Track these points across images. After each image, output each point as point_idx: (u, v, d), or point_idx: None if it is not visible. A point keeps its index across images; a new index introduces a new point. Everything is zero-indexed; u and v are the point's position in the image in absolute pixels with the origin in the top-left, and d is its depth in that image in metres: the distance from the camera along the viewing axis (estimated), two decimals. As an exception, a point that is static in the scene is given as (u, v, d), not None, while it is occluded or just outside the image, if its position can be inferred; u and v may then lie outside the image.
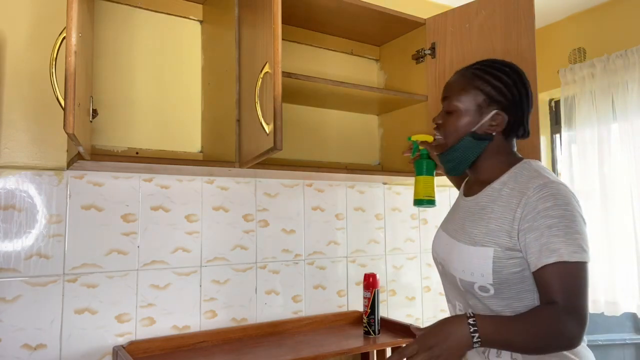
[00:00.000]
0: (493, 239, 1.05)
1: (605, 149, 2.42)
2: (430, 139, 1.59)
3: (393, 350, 1.84)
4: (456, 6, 1.84)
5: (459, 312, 1.17)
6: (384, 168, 2.13)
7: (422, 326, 2.14)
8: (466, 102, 1.17)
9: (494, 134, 1.14)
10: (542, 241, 0.98)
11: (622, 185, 2.35)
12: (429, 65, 1.87)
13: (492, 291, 1.05)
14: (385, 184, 2.20)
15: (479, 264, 1.05)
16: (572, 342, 0.96)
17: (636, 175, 2.32)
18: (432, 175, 1.60)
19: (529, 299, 1.04)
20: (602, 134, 2.44)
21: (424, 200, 1.52)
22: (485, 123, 1.13)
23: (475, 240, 1.07)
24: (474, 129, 1.14)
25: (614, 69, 2.38)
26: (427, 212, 2.32)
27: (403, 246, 2.24)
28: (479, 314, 1.02)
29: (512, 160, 1.15)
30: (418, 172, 1.62)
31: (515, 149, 1.18)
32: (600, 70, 2.43)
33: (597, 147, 2.45)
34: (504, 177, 1.11)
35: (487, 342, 0.97)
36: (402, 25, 1.93)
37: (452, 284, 1.15)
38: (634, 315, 2.48)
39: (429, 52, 1.87)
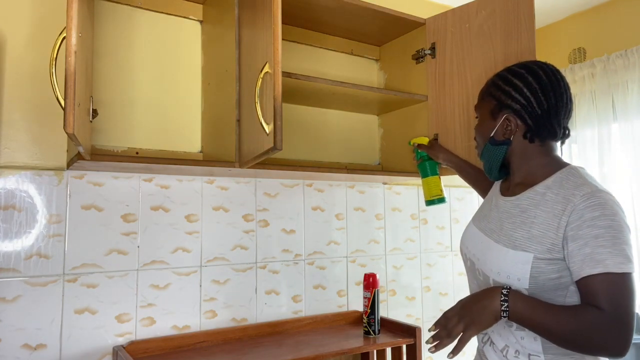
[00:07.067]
0: (535, 244, 1.03)
1: (606, 149, 2.42)
2: (425, 140, 1.68)
3: (393, 350, 1.84)
4: (456, 6, 1.84)
5: None
6: (384, 168, 2.13)
7: (422, 326, 2.14)
8: (482, 109, 1.21)
9: (511, 138, 1.13)
10: (587, 251, 0.96)
11: (622, 185, 2.35)
12: (429, 65, 1.87)
13: None
14: (385, 184, 2.20)
15: (517, 267, 1.03)
16: (618, 352, 0.94)
17: (636, 175, 2.32)
18: (437, 174, 1.67)
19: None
20: (602, 134, 2.44)
21: (434, 200, 1.62)
22: (498, 128, 1.14)
23: (515, 244, 1.05)
24: (491, 135, 1.16)
25: (614, 69, 2.38)
26: (427, 212, 2.32)
27: (403, 246, 2.24)
28: (515, 289, 1.02)
29: (556, 164, 1.12)
30: (423, 175, 1.68)
31: (556, 152, 1.15)
32: (600, 70, 2.43)
33: (597, 147, 2.45)
34: (548, 181, 1.08)
35: (516, 317, 0.98)
36: (402, 25, 1.92)
37: (483, 283, 1.13)
38: (635, 314, 2.48)
39: (429, 52, 1.87)
